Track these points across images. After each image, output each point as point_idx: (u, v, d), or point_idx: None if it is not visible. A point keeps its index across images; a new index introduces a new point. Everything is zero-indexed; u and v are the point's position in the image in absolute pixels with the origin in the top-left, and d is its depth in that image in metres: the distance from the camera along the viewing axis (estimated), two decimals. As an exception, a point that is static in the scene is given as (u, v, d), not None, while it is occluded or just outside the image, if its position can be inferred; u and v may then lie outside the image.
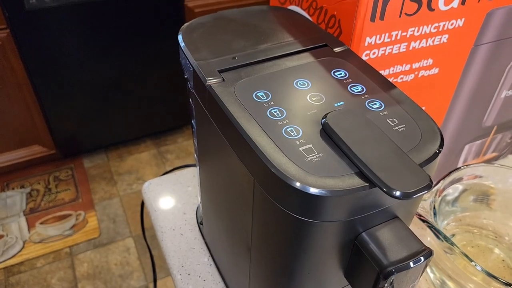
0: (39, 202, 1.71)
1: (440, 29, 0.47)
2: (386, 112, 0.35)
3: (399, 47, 0.46)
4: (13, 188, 1.76)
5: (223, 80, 0.38)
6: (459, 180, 0.57)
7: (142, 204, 0.85)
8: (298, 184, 0.29)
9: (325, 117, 0.33)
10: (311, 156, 0.31)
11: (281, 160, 0.30)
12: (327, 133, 0.32)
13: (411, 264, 0.31)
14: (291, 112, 0.34)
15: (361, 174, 0.30)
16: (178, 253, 0.57)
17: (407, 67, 0.49)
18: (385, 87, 0.38)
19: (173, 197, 0.65)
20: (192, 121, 0.46)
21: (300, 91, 0.37)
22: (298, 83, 0.38)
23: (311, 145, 0.32)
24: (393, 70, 0.48)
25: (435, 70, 0.51)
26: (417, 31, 0.46)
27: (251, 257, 0.40)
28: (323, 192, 0.29)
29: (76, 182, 1.78)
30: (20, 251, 1.55)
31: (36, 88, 1.55)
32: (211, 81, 0.37)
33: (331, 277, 0.37)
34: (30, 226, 1.63)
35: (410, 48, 0.47)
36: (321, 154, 0.31)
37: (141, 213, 0.97)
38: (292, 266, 0.35)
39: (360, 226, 0.32)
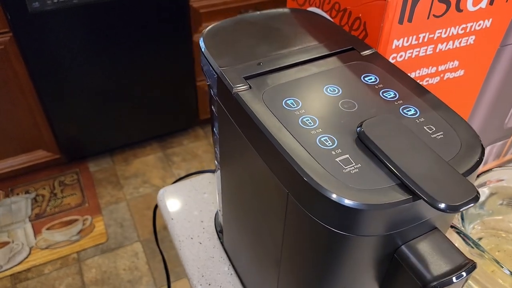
0: (44, 208, 1.70)
1: (468, 30, 0.46)
2: (422, 119, 0.34)
3: (426, 49, 0.45)
4: (17, 194, 1.75)
5: (250, 87, 0.37)
6: (484, 184, 0.56)
7: (155, 209, 0.84)
8: (337, 198, 0.28)
9: (361, 125, 0.32)
10: (349, 167, 0.30)
11: (318, 172, 0.29)
12: (364, 142, 0.31)
13: (454, 279, 0.30)
14: (323, 120, 0.33)
15: (403, 186, 0.29)
16: (197, 262, 0.56)
17: (433, 70, 0.48)
18: (418, 92, 0.36)
19: (189, 204, 0.64)
20: (214, 129, 0.45)
21: (331, 97, 0.36)
22: (328, 89, 0.36)
23: (347, 156, 0.31)
24: (419, 73, 0.47)
25: (460, 72, 0.50)
26: (445, 33, 0.45)
27: (280, 270, 0.39)
28: (365, 205, 0.27)
29: (82, 187, 1.77)
30: (26, 257, 1.54)
31: (39, 92, 1.55)
32: (238, 88, 0.36)
33: (366, 290, 0.36)
34: (36, 232, 1.62)
35: (437, 50, 0.46)
36: (359, 165, 0.30)
37: (153, 218, 0.96)
38: (325, 281, 0.34)
39: (400, 239, 0.31)
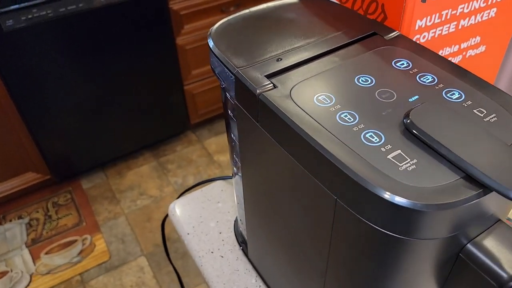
0: (40, 232, 1.65)
1: (489, 2, 0.43)
2: (470, 102, 0.31)
3: (449, 27, 0.42)
4: (10, 220, 1.69)
5: (275, 86, 0.33)
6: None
7: (163, 221, 0.80)
8: (400, 200, 0.25)
9: (408, 116, 0.29)
10: (405, 164, 0.27)
11: (372, 173, 0.26)
12: (414, 134, 0.28)
13: (531, 273, 0.27)
14: (363, 114, 0.30)
15: (470, 179, 0.26)
16: (222, 278, 0.53)
17: (456, 48, 0.45)
18: (457, 73, 0.34)
19: (204, 216, 0.60)
20: (232, 135, 0.42)
21: (365, 88, 0.33)
22: (360, 79, 0.33)
23: (399, 151, 0.28)
24: (442, 53, 0.45)
25: (482, 48, 0.47)
26: (467, 7, 0.42)
27: (326, 280, 0.35)
28: (433, 206, 0.25)
29: (77, 206, 1.72)
30: (28, 285, 1.49)
31: (22, 112, 1.49)
32: (262, 88, 0.33)
33: (425, 294, 0.33)
34: (35, 257, 1.56)
35: (459, 27, 0.43)
36: (415, 161, 0.27)
37: (162, 230, 0.92)
38: (381, 288, 0.31)
39: (465, 237, 0.28)
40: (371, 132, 0.29)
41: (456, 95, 0.32)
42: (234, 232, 0.57)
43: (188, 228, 0.59)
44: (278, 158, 0.34)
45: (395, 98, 0.32)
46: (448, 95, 0.32)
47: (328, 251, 0.33)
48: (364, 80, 0.33)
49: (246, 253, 0.54)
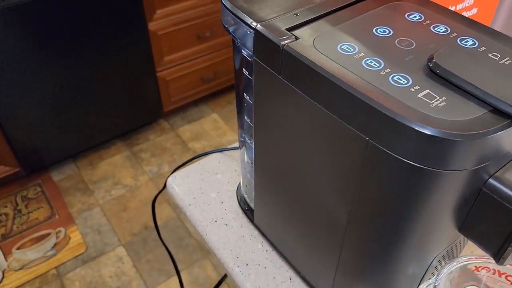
0: (10, 227, 1.59)
1: (483, -36, 0.46)
2: (484, 48, 0.33)
3: (448, -13, 0.45)
4: (-23, 216, 1.62)
5: (296, 38, 0.34)
6: None
7: (154, 201, 0.80)
8: (436, 131, 0.26)
9: (432, 59, 0.31)
10: (435, 101, 0.28)
11: (406, 109, 0.28)
12: (440, 75, 0.30)
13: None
14: (388, 60, 0.32)
15: (497, 111, 0.28)
16: (228, 245, 0.54)
17: (452, 9, 0.47)
18: (468, 24, 0.36)
19: (204, 187, 0.60)
20: (245, 96, 0.43)
21: (384, 38, 0.34)
22: (378, 30, 0.35)
23: (428, 91, 0.29)
24: (440, 14, 0.47)
25: (474, 11, 0.50)
26: (465, -32, 0.44)
27: (347, 229, 0.37)
28: (467, 136, 0.26)
29: (48, 198, 1.67)
30: (0, 282, 1.43)
31: (-13, 103, 1.43)
32: (286, 40, 0.34)
33: (444, 234, 0.35)
34: (6, 253, 1.51)
35: (457, -13, 0.45)
36: (444, 98, 0.29)
37: (152, 211, 0.91)
38: (404, 229, 0.33)
39: (489, 171, 0.30)
40: (398, 75, 0.30)
41: (470, 42, 0.33)
42: (238, 200, 0.58)
43: (190, 199, 0.59)
44: (302, 109, 0.35)
45: (414, 45, 0.33)
46: (462, 42, 0.33)
47: (352, 198, 0.34)
48: (382, 31, 0.35)
49: (251, 220, 0.55)
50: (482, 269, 0.39)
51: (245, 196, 0.55)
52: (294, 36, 0.34)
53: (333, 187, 0.36)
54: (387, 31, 0.35)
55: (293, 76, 0.34)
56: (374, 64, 0.31)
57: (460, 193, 0.31)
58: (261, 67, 0.37)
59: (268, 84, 0.37)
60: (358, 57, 0.32)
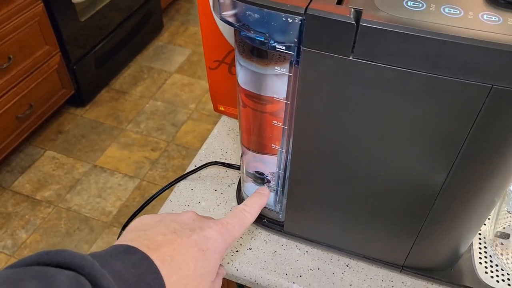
0: None
1: None
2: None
3: None
4: None
5: (360, 10, 0.31)
6: None
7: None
8: None
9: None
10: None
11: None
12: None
13: None
14: (463, 6, 0.31)
15: None
16: (267, 267, 0.49)
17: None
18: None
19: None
20: (276, 98, 0.37)
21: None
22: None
23: (520, 20, 0.30)
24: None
25: None
26: None
27: (440, 193, 0.37)
28: None
29: None
30: None
31: None
32: (353, 15, 0.31)
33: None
34: None
35: None
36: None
37: None
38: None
39: None
40: (491, 15, 0.31)
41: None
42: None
43: (193, 243, 0.51)
44: (383, 83, 0.32)
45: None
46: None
47: (450, 161, 0.35)
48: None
49: (273, 229, 0.51)
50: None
51: (271, 206, 0.50)
52: (355, 10, 0.31)
53: (428, 153, 0.36)
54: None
55: (373, 51, 0.31)
56: (454, 11, 0.31)
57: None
58: (316, 55, 0.33)
59: (328, 70, 0.33)
60: (433, 9, 0.31)
